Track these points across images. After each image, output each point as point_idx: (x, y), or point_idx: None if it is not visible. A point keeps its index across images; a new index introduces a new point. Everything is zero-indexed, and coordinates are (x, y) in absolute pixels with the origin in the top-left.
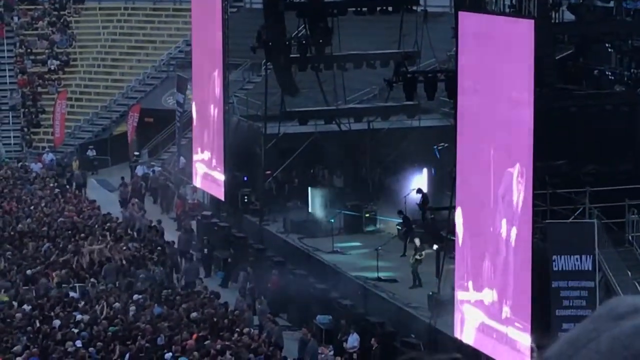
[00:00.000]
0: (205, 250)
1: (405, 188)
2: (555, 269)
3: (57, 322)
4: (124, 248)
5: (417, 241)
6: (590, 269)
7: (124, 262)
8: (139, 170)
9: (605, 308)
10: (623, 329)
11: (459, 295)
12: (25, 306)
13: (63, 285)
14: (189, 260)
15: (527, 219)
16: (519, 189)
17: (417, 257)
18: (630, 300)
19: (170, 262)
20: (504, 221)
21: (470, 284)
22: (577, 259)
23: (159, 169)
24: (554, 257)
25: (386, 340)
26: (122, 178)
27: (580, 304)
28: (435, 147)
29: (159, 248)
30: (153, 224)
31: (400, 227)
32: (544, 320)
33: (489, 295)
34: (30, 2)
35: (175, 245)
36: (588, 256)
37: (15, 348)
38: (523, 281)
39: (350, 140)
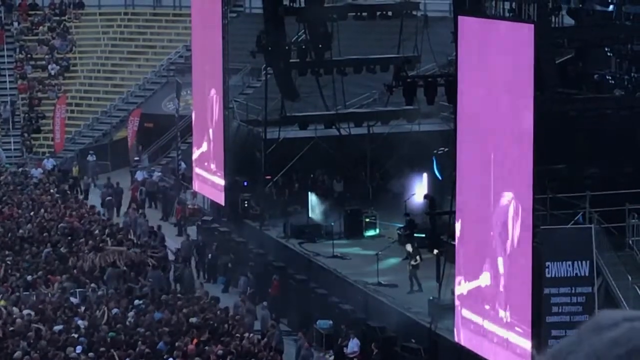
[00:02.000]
0: (210, 255)
1: (406, 192)
2: (548, 275)
3: (57, 328)
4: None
5: (408, 247)
6: (587, 274)
7: (124, 267)
8: (139, 175)
9: (591, 321)
10: (602, 341)
11: (459, 299)
12: (25, 311)
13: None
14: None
15: (528, 224)
16: (519, 193)
17: (413, 262)
18: (614, 314)
19: (171, 267)
20: (504, 226)
21: (470, 288)
22: (570, 265)
23: (159, 174)
24: (548, 263)
25: (386, 345)
26: (108, 178)
27: (576, 310)
28: (434, 164)
29: (159, 253)
30: (154, 229)
31: (400, 232)
32: (540, 327)
33: (489, 300)
34: (30, 8)
35: (177, 251)
36: (585, 262)
37: (16, 354)
38: (523, 286)
39: (350, 145)
